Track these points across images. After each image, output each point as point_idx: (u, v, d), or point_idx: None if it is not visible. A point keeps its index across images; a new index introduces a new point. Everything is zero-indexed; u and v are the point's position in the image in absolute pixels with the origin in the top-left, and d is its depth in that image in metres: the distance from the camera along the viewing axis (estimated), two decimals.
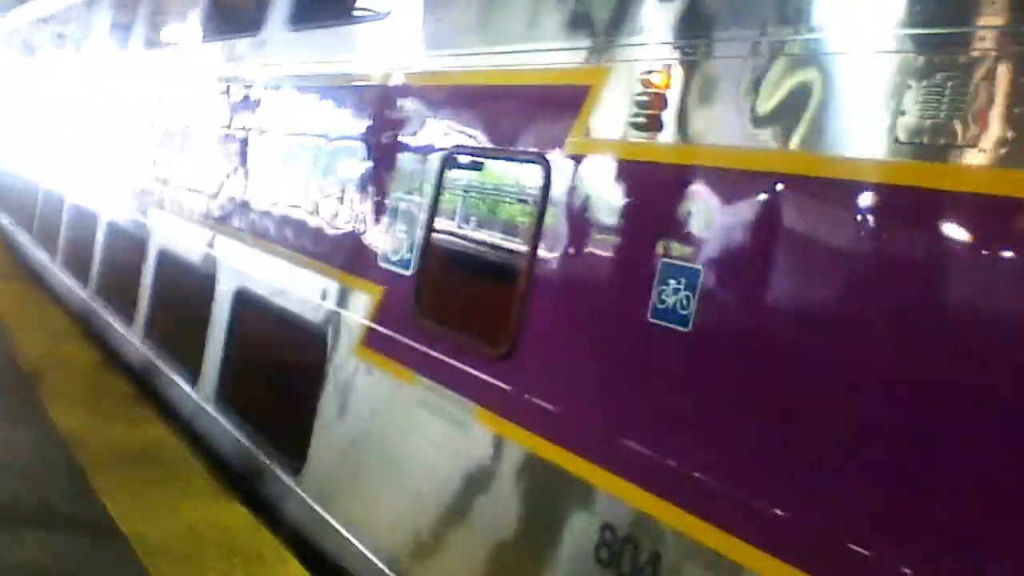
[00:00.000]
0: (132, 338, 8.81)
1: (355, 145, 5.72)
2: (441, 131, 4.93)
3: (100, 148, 11.12)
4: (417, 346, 4.79)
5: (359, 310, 5.33)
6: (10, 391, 6.97)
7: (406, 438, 4.80)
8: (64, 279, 11.58)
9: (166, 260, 8.41)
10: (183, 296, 7.81)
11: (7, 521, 4.78)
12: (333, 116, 6.14)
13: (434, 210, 4.86)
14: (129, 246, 9.28)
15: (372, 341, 5.17)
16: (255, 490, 5.92)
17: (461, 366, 4.42)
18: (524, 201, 4.48)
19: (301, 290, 5.95)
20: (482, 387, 4.27)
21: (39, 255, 13.02)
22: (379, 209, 5.30)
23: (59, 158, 12.96)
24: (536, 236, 4.08)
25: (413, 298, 4.88)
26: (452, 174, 4.86)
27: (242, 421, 6.51)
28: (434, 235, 4.86)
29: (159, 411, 7.21)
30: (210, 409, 6.90)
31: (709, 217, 3.35)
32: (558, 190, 4.01)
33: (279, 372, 6.61)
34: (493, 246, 4.72)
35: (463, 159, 4.84)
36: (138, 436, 6.49)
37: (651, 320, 3.44)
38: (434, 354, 4.63)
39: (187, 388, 7.34)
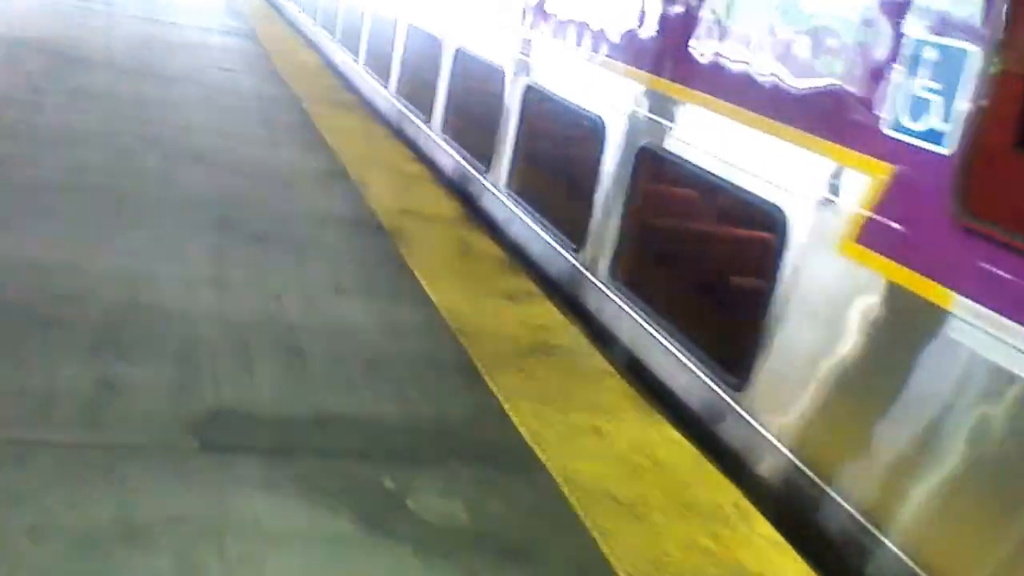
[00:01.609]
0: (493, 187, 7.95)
1: None
2: None
3: None
4: (962, 257, 3.37)
5: (847, 192, 3.94)
6: (380, 256, 6.22)
7: (919, 378, 3.48)
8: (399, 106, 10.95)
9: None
10: None
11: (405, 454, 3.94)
12: None
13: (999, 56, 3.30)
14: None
15: (870, 238, 3.79)
16: None
17: None
18: None
19: (745, 159, 4.61)
20: None
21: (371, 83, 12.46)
22: (889, 53, 3.79)
23: None
24: None
25: (952, 188, 3.43)
26: None
27: None
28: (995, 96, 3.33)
29: (533, 278, 6.30)
30: None
31: None
32: None
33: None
34: None
35: None
36: (524, 319, 5.55)
37: None
38: (1005, 275, 3.20)
39: None
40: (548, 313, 5.74)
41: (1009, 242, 3.21)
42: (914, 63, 3.65)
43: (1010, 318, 3.17)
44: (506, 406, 4.39)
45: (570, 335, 5.47)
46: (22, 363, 3.92)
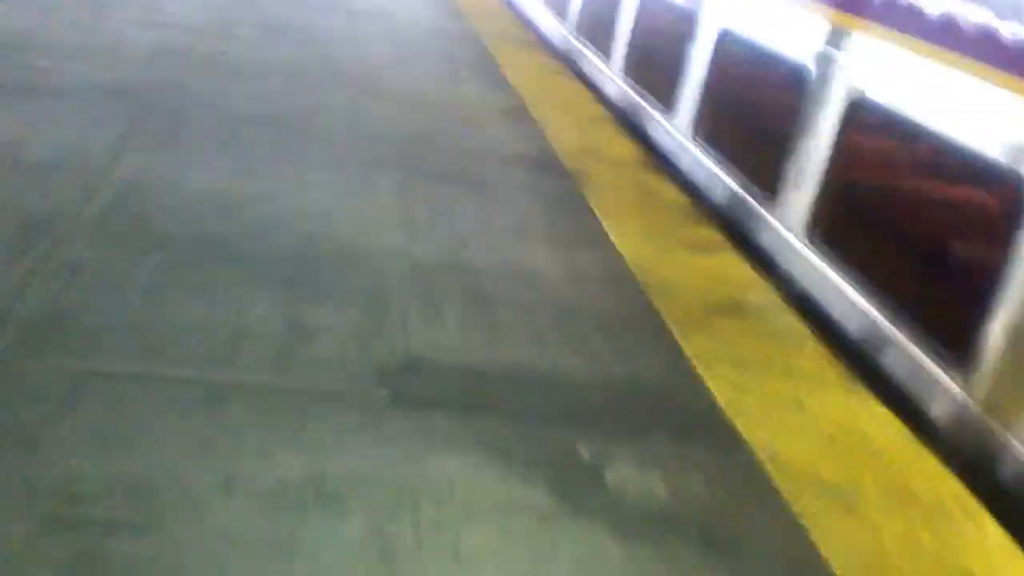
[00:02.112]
0: None
1: None
2: None
3: None
4: None
5: None
6: (564, 199, 5.99)
7: None
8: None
9: None
10: None
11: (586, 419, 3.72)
12: None
13: None
14: None
15: None
16: None
17: None
18: None
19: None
20: None
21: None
22: None
23: None
24: None
25: None
26: None
27: None
28: None
29: (721, 229, 5.94)
30: None
31: None
32: None
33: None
34: None
35: None
36: (713, 272, 5.24)
37: None
38: None
39: None
40: (737, 266, 5.40)
41: None
42: None
43: None
44: (700, 369, 4.12)
45: (762, 292, 5.12)
46: (215, 300, 3.91)
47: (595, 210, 5.85)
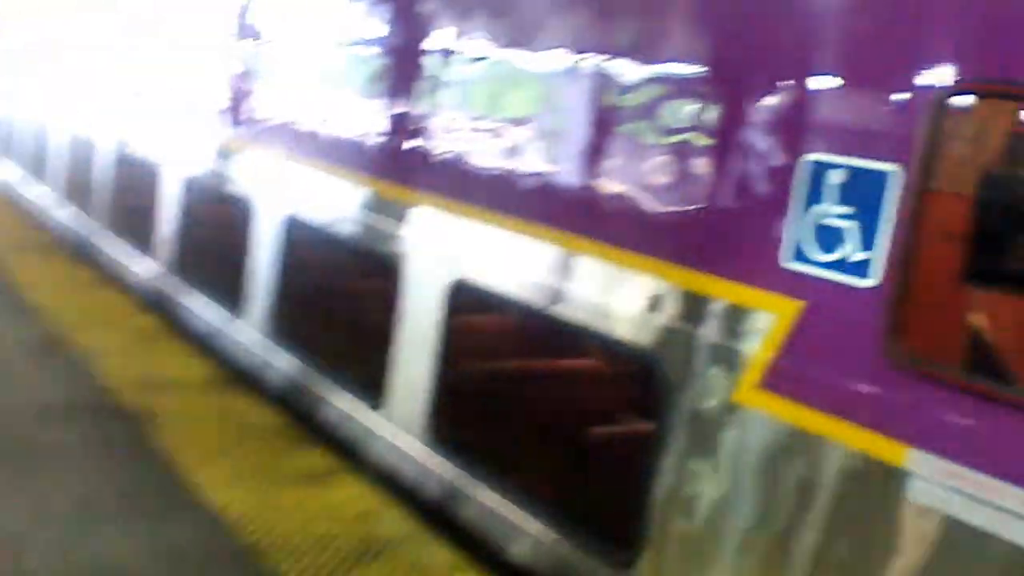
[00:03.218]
0: None
1: None
2: None
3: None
4: (908, 403, 2.82)
5: (741, 333, 3.32)
6: (130, 453, 4.92)
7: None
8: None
9: None
10: None
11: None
12: None
13: (925, 175, 2.80)
14: None
15: (778, 382, 3.18)
16: None
17: None
18: None
19: (604, 299, 3.90)
20: None
21: None
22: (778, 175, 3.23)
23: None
24: None
25: (886, 323, 2.88)
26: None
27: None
28: (931, 218, 2.81)
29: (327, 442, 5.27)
30: None
31: None
32: None
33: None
34: None
35: None
36: (334, 508, 4.53)
37: None
38: (960, 421, 2.67)
39: None
40: (359, 496, 4.73)
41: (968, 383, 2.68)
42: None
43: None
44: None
45: (396, 521, 4.50)
46: None
47: (174, 457, 4.89)
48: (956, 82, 2.71)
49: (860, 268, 2.94)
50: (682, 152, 3.57)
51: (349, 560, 4.08)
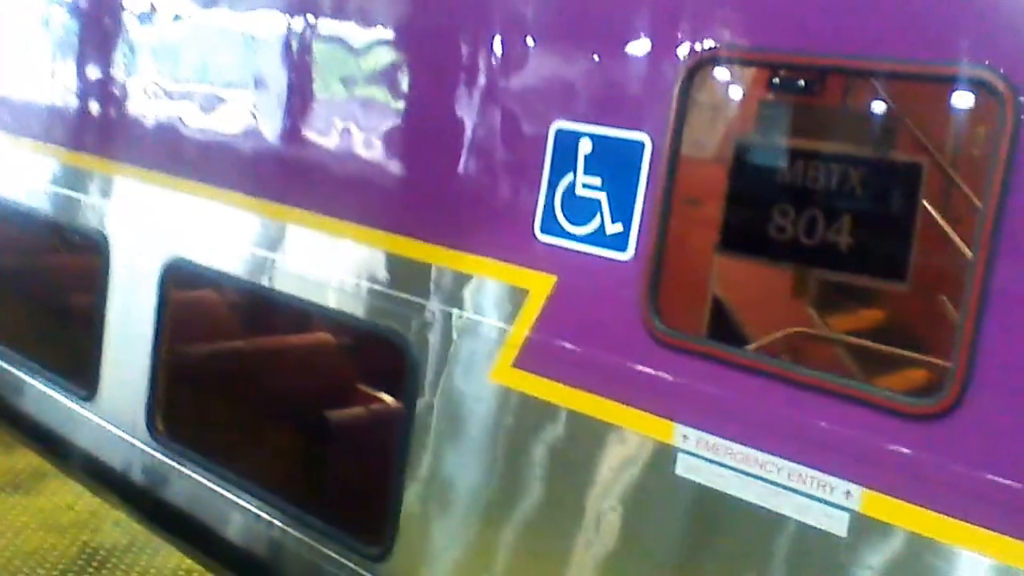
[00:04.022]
0: None
1: None
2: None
3: None
4: (669, 375, 2.78)
5: (493, 309, 3.17)
6: None
7: (645, 541, 2.85)
8: None
9: None
10: None
11: None
12: None
13: (676, 144, 2.73)
14: None
15: (534, 360, 3.06)
16: None
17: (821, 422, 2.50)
18: None
19: (331, 274, 3.62)
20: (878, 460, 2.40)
21: None
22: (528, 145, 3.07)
23: None
24: None
25: (643, 295, 2.82)
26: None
27: None
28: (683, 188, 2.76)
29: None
30: None
31: None
32: None
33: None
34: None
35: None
36: (46, 516, 3.99)
37: None
38: (710, 390, 2.66)
39: None
40: (77, 498, 4.22)
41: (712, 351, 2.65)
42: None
43: (768, 450, 2.64)
44: None
45: (122, 527, 4.04)
46: None
47: None
48: (707, 50, 2.66)
49: (616, 241, 2.87)
50: (418, 120, 3.36)
51: (70, 574, 3.62)
